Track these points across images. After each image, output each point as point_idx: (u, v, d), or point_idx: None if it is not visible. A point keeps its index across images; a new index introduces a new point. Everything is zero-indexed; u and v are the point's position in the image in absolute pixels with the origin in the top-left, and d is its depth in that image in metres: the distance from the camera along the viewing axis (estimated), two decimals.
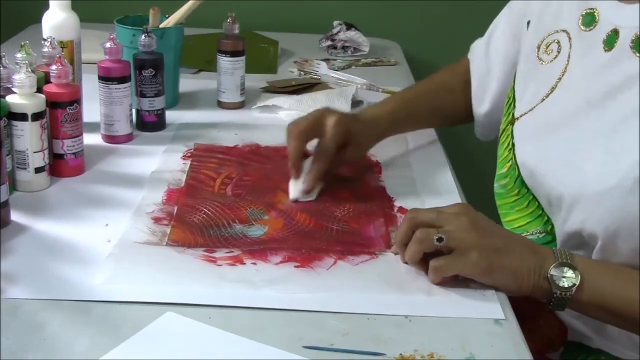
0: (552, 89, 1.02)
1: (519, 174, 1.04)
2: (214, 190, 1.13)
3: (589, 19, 1.00)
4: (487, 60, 1.26)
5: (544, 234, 1.02)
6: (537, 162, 1.01)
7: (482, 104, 1.27)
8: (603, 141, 0.93)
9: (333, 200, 1.11)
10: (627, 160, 0.89)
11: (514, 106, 1.09)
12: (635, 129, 0.90)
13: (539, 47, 1.07)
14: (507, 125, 1.09)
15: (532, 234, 1.04)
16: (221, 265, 0.93)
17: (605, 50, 0.97)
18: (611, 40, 0.96)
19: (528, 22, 1.13)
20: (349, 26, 1.86)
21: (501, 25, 1.25)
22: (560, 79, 1.02)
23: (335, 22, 1.89)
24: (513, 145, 1.06)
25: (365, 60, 1.81)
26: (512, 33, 1.20)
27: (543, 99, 1.04)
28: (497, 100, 1.23)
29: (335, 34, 1.86)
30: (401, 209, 1.09)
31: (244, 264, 0.94)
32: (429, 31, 2.09)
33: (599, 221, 0.91)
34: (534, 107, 1.05)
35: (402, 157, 1.28)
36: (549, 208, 1.01)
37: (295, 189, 1.10)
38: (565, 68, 1.02)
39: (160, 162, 1.21)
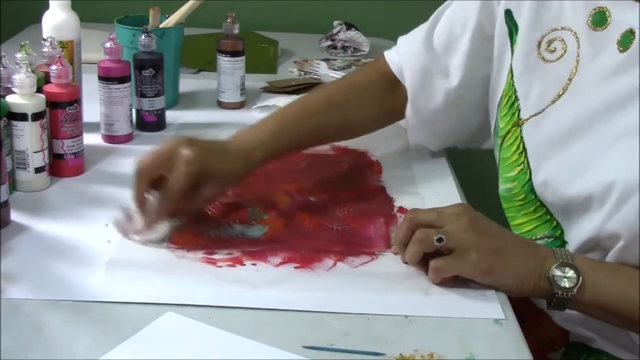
0: (563, 90, 1.00)
1: (530, 179, 1.02)
2: None
3: (600, 18, 0.98)
4: (435, 57, 1.18)
5: (552, 239, 1.01)
6: (555, 165, 0.99)
7: (429, 102, 1.19)
8: (627, 142, 0.91)
9: (333, 200, 1.11)
10: None
11: (518, 107, 1.07)
12: None
13: (539, 45, 1.05)
14: (513, 127, 1.06)
15: (541, 239, 1.02)
16: (221, 266, 0.93)
17: (620, 51, 0.95)
18: (626, 40, 0.94)
19: (507, 11, 1.07)
20: (349, 26, 1.86)
21: (447, 20, 1.18)
22: (570, 80, 1.00)
23: (335, 22, 1.89)
24: (525, 149, 1.04)
25: (365, 60, 1.81)
26: (476, 26, 1.13)
27: (554, 101, 1.01)
28: (452, 97, 1.18)
29: (335, 34, 1.86)
30: (401, 209, 1.09)
31: (244, 265, 0.94)
32: None
33: (623, 222, 0.90)
34: (544, 109, 1.02)
35: (402, 157, 1.27)
36: (561, 214, 1.00)
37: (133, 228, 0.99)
38: (575, 69, 1.00)
39: None
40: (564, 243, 1.00)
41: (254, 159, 1.06)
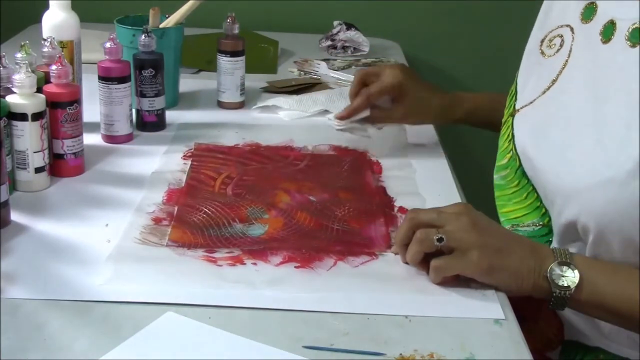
0: (553, 82, 1.03)
1: (520, 165, 1.05)
2: (214, 190, 1.13)
3: (589, 12, 1.01)
4: None
5: (540, 226, 1.03)
6: (536, 154, 1.01)
7: None
8: (596, 134, 0.93)
9: (333, 199, 1.11)
10: (620, 153, 0.89)
11: (516, 98, 1.10)
12: (627, 121, 0.90)
13: (542, 42, 1.08)
14: (508, 117, 1.10)
15: (528, 226, 1.04)
16: (221, 265, 0.93)
17: (603, 42, 0.97)
18: (608, 32, 0.96)
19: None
20: (349, 26, 1.86)
21: None
22: (561, 72, 1.02)
23: (335, 22, 1.89)
24: (513, 136, 1.07)
25: (365, 60, 1.81)
26: None
27: (544, 91, 1.04)
28: None
29: (335, 34, 1.86)
30: (401, 209, 1.09)
31: (244, 264, 0.94)
32: (429, 31, 2.09)
33: (591, 214, 0.91)
34: (535, 99, 1.05)
35: (402, 157, 1.28)
36: (545, 200, 1.01)
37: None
38: (567, 61, 1.02)
39: (161, 162, 1.21)
40: (551, 230, 1.01)
41: (456, 105, 1.29)
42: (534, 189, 1.03)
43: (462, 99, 1.30)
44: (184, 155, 1.23)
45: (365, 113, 1.25)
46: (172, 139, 1.30)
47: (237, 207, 1.07)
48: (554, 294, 0.89)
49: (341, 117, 1.25)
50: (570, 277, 0.89)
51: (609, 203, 0.89)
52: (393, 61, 1.83)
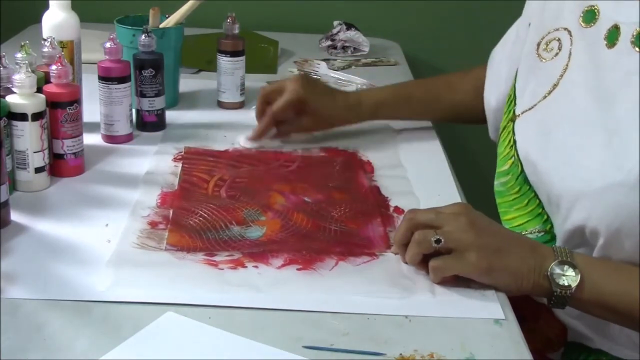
0: (554, 86, 1.03)
1: (522, 171, 1.04)
2: (208, 192, 1.12)
3: (590, 16, 1.00)
4: (500, 63, 1.25)
5: (542, 233, 1.02)
6: (540, 158, 1.01)
7: (490, 102, 1.26)
8: (605, 138, 0.92)
9: (328, 200, 1.11)
10: (631, 156, 0.89)
11: (515, 103, 1.10)
12: (637, 124, 0.89)
13: (538, 45, 1.08)
14: (508, 122, 1.10)
15: (531, 233, 1.04)
16: (223, 269, 0.93)
17: (608, 47, 0.97)
18: (613, 36, 0.96)
19: (529, 24, 1.13)
20: (349, 26, 1.86)
21: (514, 30, 1.24)
22: (562, 76, 1.02)
23: (335, 22, 1.89)
24: (515, 142, 1.06)
25: (365, 60, 1.81)
26: (521, 38, 1.19)
27: (545, 96, 1.04)
28: (503, 101, 1.24)
29: (335, 34, 1.86)
30: (397, 209, 1.09)
31: (246, 267, 0.93)
32: (429, 31, 2.09)
33: (602, 218, 0.91)
34: (536, 104, 1.05)
35: (393, 156, 1.28)
36: (549, 206, 1.01)
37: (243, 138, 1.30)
38: (567, 65, 1.02)
39: (152, 164, 1.20)
40: (553, 237, 1.01)
41: (359, 109, 1.31)
42: (536, 195, 1.03)
43: (363, 96, 1.33)
44: (174, 158, 1.23)
45: (273, 131, 1.29)
46: (169, 139, 1.29)
47: (233, 210, 1.07)
48: (555, 293, 0.89)
49: (252, 139, 1.28)
50: (571, 276, 0.88)
51: (620, 206, 0.89)
52: (393, 61, 1.83)
